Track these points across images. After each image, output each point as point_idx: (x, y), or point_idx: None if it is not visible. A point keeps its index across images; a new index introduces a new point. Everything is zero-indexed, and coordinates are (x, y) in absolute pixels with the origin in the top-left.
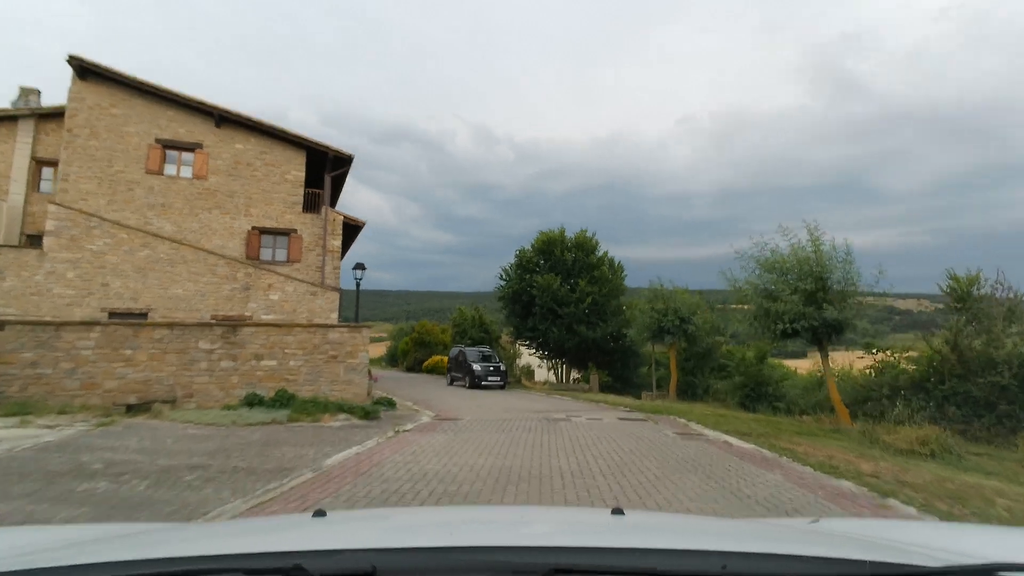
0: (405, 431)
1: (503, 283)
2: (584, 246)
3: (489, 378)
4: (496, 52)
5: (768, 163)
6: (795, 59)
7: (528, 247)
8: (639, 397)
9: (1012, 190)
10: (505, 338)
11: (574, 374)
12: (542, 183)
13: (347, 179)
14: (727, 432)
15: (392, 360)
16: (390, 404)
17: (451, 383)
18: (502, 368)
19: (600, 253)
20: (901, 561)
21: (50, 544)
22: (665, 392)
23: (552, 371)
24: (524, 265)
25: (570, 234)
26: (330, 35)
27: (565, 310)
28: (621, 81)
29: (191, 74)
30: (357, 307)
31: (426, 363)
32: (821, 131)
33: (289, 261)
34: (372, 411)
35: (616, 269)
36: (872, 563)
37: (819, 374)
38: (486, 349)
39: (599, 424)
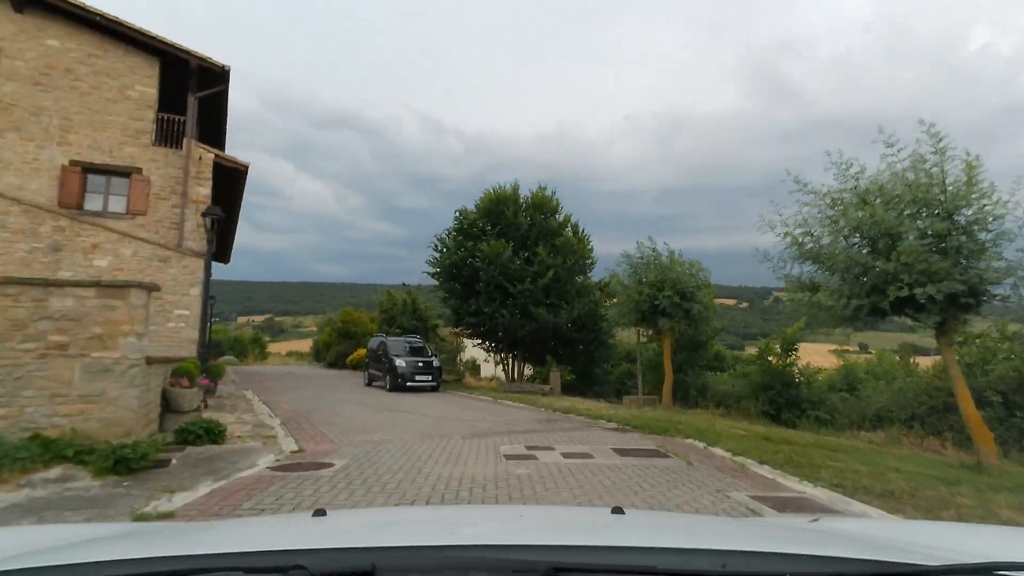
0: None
1: (437, 254)
2: (543, 207)
3: (417, 377)
4: (444, 40)
5: (707, 163)
6: (733, 62)
7: (471, 208)
8: (614, 400)
9: None
10: (448, 330)
11: (527, 370)
12: (490, 176)
13: (229, 112)
14: (839, 485)
15: (318, 356)
16: (211, 433)
17: (369, 383)
18: (435, 364)
19: (562, 217)
20: (901, 560)
21: (49, 543)
22: (654, 396)
23: (502, 367)
24: (466, 231)
25: (525, 192)
26: (264, 7)
27: (519, 287)
28: (568, 77)
29: None
30: (207, 278)
31: (350, 357)
32: (756, 133)
33: (130, 213)
34: (139, 455)
35: (582, 238)
36: (872, 562)
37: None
38: (415, 340)
39: (590, 468)
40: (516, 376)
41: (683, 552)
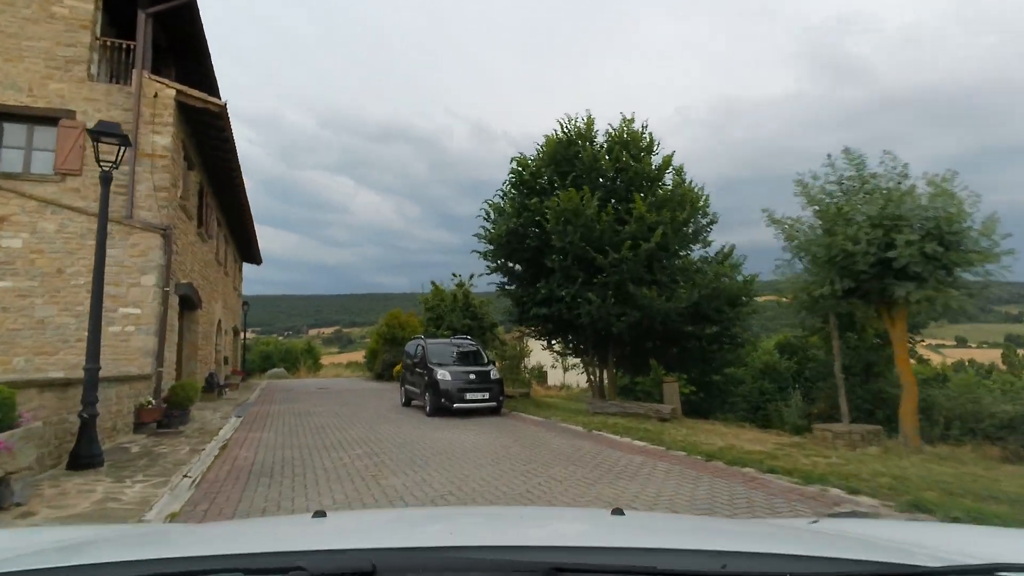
0: None
1: (489, 224)
2: (631, 145)
3: (469, 396)
4: (486, 47)
5: (766, 151)
6: (789, 45)
7: (531, 156)
8: (782, 432)
9: (1011, 172)
10: (511, 333)
11: (615, 378)
12: None
13: (216, 51)
14: None
15: (370, 366)
16: None
17: (406, 403)
18: (493, 375)
19: (660, 159)
20: (901, 561)
21: (48, 544)
22: (866, 427)
23: (587, 375)
24: (528, 183)
25: (604, 129)
26: (314, 37)
27: (611, 257)
28: (614, 74)
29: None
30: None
31: (397, 368)
32: (817, 116)
33: (58, 173)
34: None
35: (691, 188)
36: (872, 563)
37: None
38: (466, 341)
39: None
40: (604, 386)
41: (683, 552)
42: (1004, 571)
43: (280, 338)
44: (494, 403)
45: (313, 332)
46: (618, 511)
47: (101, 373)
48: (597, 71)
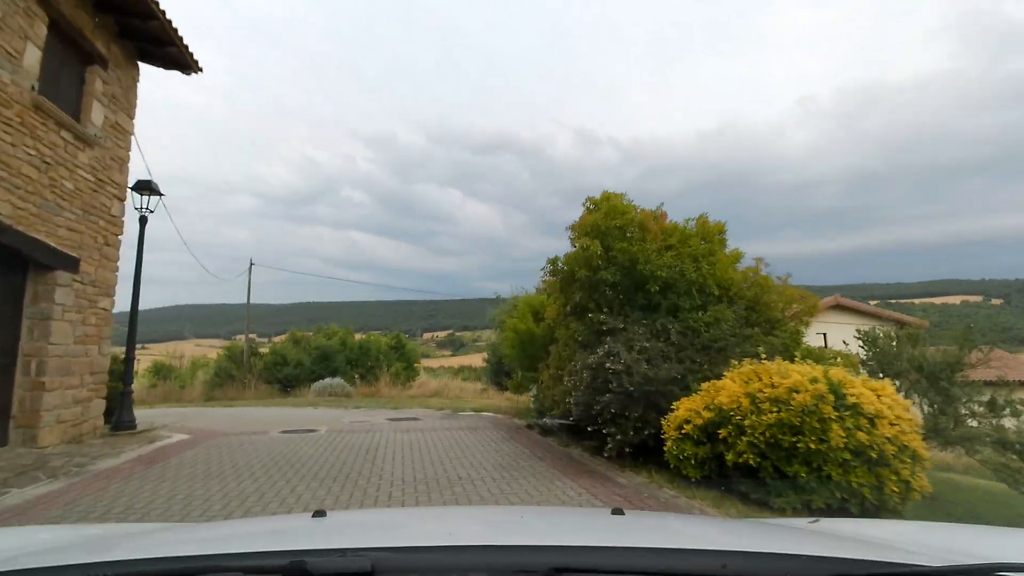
0: None
1: None
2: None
3: None
4: (589, 51)
5: (906, 139)
6: (934, 20)
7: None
8: None
9: None
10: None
11: None
12: (648, 182)
13: None
14: None
15: (495, 373)
16: None
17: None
18: None
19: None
20: (901, 561)
21: (49, 544)
22: None
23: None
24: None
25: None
26: (432, 62)
27: None
28: (726, 70)
29: (306, 106)
30: None
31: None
32: (973, 96)
33: None
34: None
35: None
36: (872, 563)
37: None
38: None
39: None
40: None
41: (683, 552)
42: (1004, 571)
43: (361, 335)
44: None
45: (428, 335)
46: (618, 511)
47: None
48: (707, 67)
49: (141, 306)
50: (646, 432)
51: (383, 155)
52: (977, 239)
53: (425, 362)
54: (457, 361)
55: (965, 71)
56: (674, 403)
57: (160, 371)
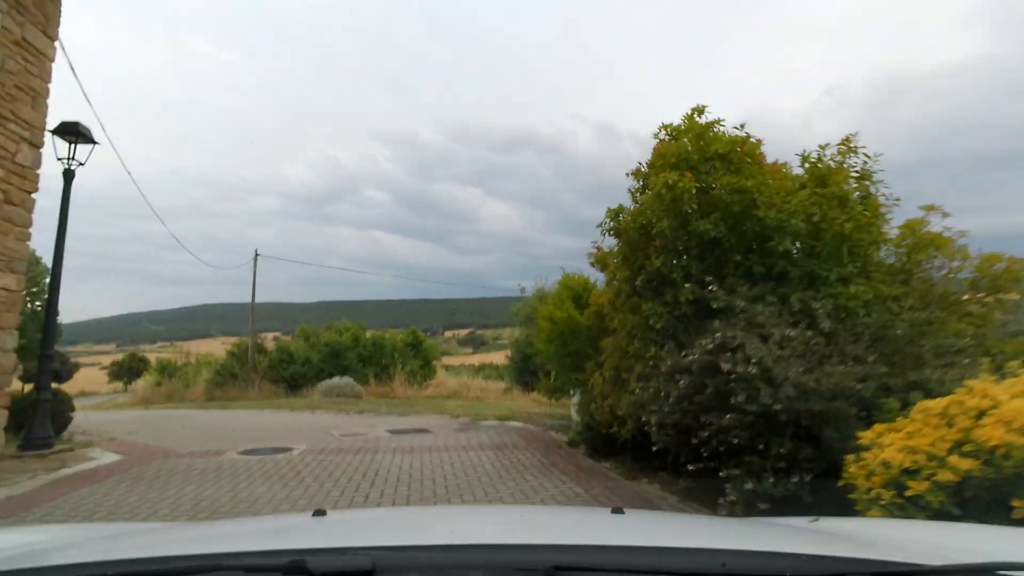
0: None
1: None
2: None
3: None
4: (609, 45)
5: (939, 130)
6: (967, 5)
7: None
8: None
9: None
10: None
11: None
12: None
13: None
14: None
15: (522, 371)
16: None
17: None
18: None
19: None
20: (901, 560)
21: (48, 543)
22: None
23: None
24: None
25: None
26: (450, 63)
27: None
28: (749, 62)
29: (328, 107)
30: None
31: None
32: (1013, 83)
33: None
34: None
35: None
36: (872, 562)
37: None
38: None
39: None
40: None
41: (683, 551)
42: (1003, 570)
43: (378, 332)
44: None
45: (449, 334)
46: (618, 510)
47: None
48: (730, 57)
49: (166, 305)
50: (795, 479)
51: (403, 154)
52: (1010, 233)
53: (446, 359)
54: (478, 359)
55: (1002, 57)
56: (859, 432)
57: (166, 369)
